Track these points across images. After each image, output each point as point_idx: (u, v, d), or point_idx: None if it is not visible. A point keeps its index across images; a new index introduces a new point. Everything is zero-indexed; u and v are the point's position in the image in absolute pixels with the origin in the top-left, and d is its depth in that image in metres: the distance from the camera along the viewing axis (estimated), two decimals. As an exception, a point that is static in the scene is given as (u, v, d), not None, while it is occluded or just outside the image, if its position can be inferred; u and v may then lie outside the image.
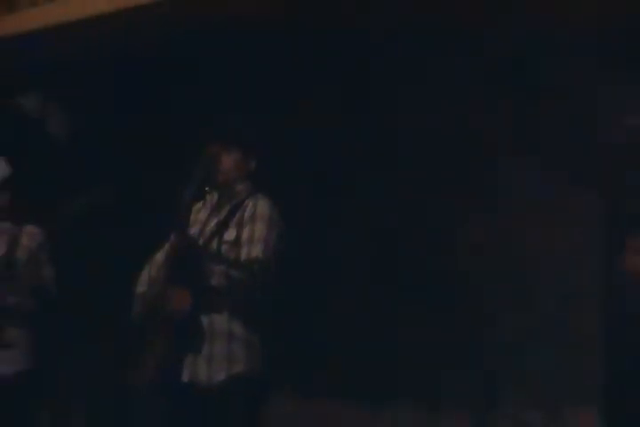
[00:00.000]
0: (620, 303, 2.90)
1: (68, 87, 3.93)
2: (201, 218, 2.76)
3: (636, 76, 3.19)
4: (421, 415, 3.75)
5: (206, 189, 2.75)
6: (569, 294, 3.47)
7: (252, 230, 2.66)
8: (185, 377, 2.57)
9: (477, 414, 3.65)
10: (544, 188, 3.56)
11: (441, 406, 3.72)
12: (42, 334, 3.38)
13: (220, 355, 2.59)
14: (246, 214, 2.68)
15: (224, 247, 2.64)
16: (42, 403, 3.38)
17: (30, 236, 3.47)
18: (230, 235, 2.65)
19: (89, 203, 2.96)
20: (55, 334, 3.42)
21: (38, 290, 3.39)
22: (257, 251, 2.61)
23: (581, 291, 3.46)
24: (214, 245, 2.65)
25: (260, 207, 2.70)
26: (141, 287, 2.75)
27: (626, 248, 2.72)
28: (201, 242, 2.65)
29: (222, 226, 2.68)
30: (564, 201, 3.53)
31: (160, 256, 2.73)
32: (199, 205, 2.81)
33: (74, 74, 3.81)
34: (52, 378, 3.39)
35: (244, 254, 2.62)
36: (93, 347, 3.07)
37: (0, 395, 3.21)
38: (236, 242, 2.64)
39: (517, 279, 3.60)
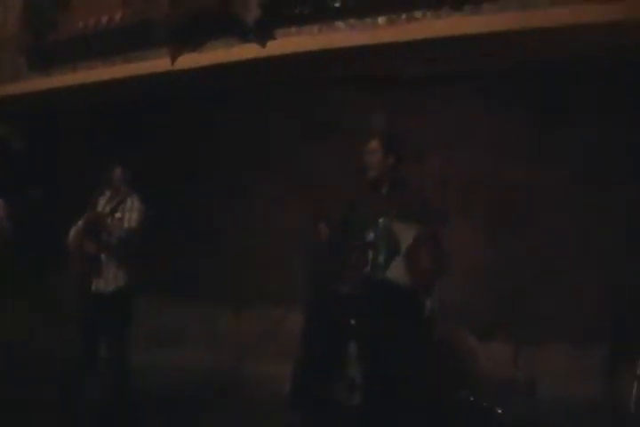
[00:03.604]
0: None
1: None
2: (102, 205, 5.02)
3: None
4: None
5: (105, 190, 5.07)
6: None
7: (130, 214, 4.96)
8: (93, 288, 4.91)
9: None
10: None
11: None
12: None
13: (111, 276, 4.89)
14: (127, 205, 4.97)
15: (115, 221, 4.91)
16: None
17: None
18: (118, 215, 4.93)
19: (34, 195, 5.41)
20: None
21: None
22: (132, 224, 4.93)
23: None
24: (109, 219, 4.92)
25: (135, 202, 5.00)
26: (71, 238, 4.97)
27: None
28: (102, 217, 4.96)
29: (113, 210, 4.94)
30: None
31: (80, 223, 4.96)
32: (102, 198, 5.05)
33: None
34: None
35: (125, 225, 4.92)
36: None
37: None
38: (121, 219, 4.92)
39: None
